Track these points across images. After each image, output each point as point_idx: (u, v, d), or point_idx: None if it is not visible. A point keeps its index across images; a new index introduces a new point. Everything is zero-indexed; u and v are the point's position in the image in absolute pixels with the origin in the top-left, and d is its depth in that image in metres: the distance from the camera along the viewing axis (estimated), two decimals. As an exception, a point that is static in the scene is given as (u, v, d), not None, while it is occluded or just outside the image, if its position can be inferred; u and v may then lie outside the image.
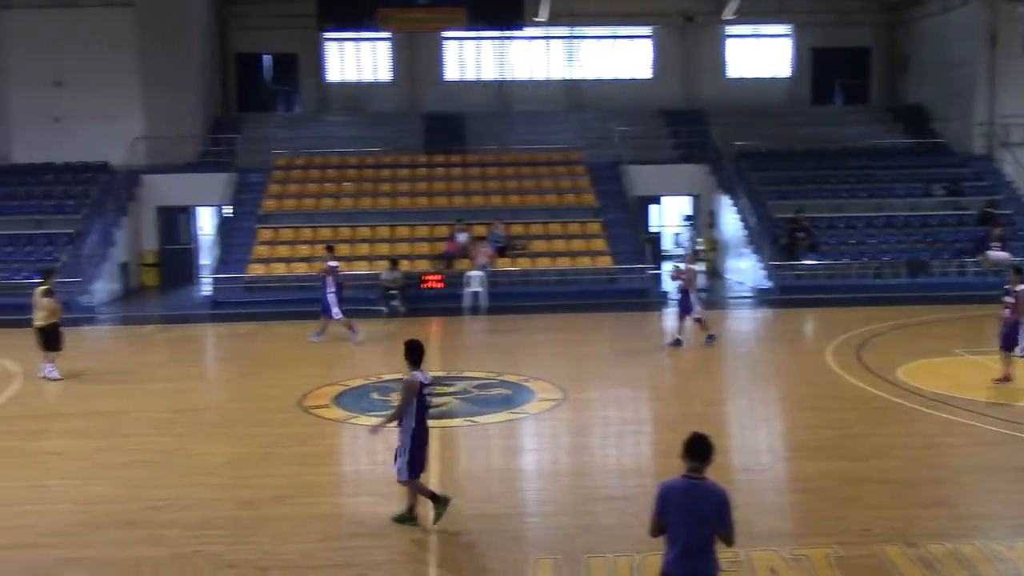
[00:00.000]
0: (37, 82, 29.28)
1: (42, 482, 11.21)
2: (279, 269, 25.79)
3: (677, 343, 18.80)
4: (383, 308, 23.78)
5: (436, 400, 14.50)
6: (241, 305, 24.59)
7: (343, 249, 26.54)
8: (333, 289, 19.90)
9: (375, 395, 15.22)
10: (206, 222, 31.67)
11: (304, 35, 33.33)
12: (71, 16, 29.40)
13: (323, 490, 10.98)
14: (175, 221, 30.03)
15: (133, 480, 11.22)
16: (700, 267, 19.25)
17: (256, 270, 25.73)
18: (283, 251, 26.54)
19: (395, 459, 9.52)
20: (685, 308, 18.94)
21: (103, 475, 11.45)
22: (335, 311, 19.85)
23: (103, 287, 26.24)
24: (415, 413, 9.37)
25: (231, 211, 28.84)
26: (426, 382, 9.45)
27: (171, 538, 9.36)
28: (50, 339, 16.71)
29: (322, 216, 28.06)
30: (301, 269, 25.66)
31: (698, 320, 18.94)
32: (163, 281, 29.31)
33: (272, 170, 29.78)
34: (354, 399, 14.99)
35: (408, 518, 9.58)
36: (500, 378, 16.28)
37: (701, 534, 6.20)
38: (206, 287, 26.81)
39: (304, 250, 26.53)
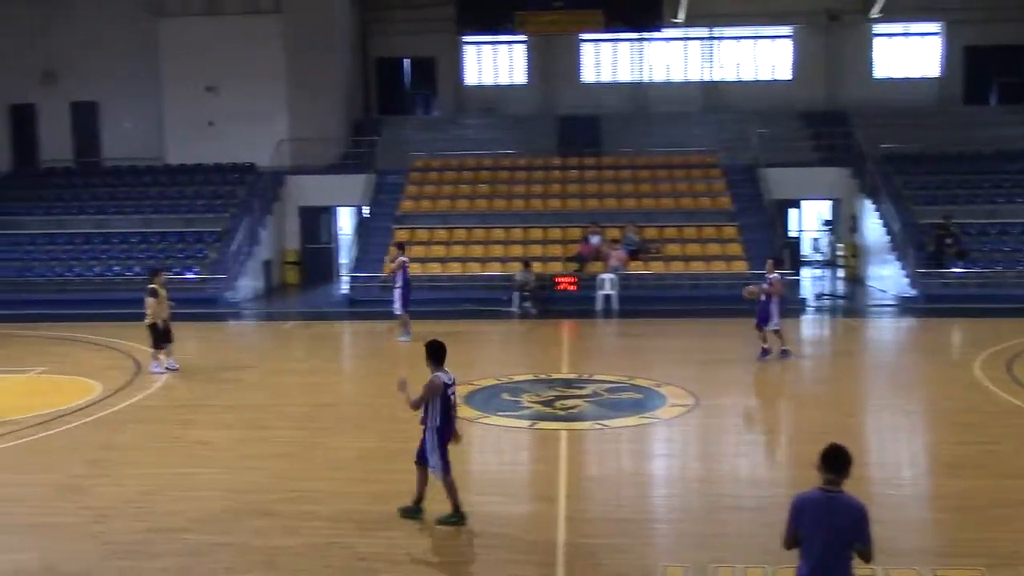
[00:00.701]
0: (191, 87, 30.65)
1: (191, 470, 11.72)
2: (414, 269, 26.19)
3: (765, 353, 17.88)
4: (515, 309, 23.97)
5: (568, 403, 14.62)
6: (378, 303, 25.13)
7: (477, 250, 26.95)
8: (400, 285, 20.78)
9: (506, 395, 15.34)
10: (345, 222, 32.55)
11: (443, 39, 33.91)
12: (223, 24, 30.68)
13: (453, 488, 11.11)
14: (316, 221, 30.98)
15: (273, 471, 11.62)
16: (775, 275, 18.12)
17: (390, 268, 26.23)
18: (419, 251, 27.02)
19: (424, 458, 9.63)
20: (764, 318, 17.91)
21: (246, 465, 11.90)
22: (397, 305, 20.74)
23: (247, 284, 27.28)
24: (440, 411, 9.50)
25: (369, 211, 29.55)
26: (449, 382, 9.54)
27: (307, 529, 9.66)
28: (155, 336, 17.27)
29: (457, 217, 28.46)
30: (435, 269, 26.10)
31: (776, 332, 17.98)
32: (304, 279, 30.28)
33: (409, 171, 30.38)
34: (484, 399, 15.13)
35: (457, 518, 9.65)
36: (631, 382, 16.17)
37: (836, 549, 6.02)
38: (344, 285, 27.53)
39: (439, 250, 26.98)
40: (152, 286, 17.33)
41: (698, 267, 25.88)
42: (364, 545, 9.21)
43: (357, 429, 13.74)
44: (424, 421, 9.62)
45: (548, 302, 24.40)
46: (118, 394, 15.80)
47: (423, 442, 9.67)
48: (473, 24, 31.57)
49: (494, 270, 25.79)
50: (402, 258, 21.18)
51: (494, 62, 35.52)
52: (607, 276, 24.79)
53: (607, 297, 24.56)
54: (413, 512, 9.83)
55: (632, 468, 12.19)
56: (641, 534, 9.67)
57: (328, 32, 31.72)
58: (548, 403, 14.81)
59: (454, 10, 30.88)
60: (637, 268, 25.64)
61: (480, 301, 24.74)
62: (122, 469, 11.83)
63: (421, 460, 9.72)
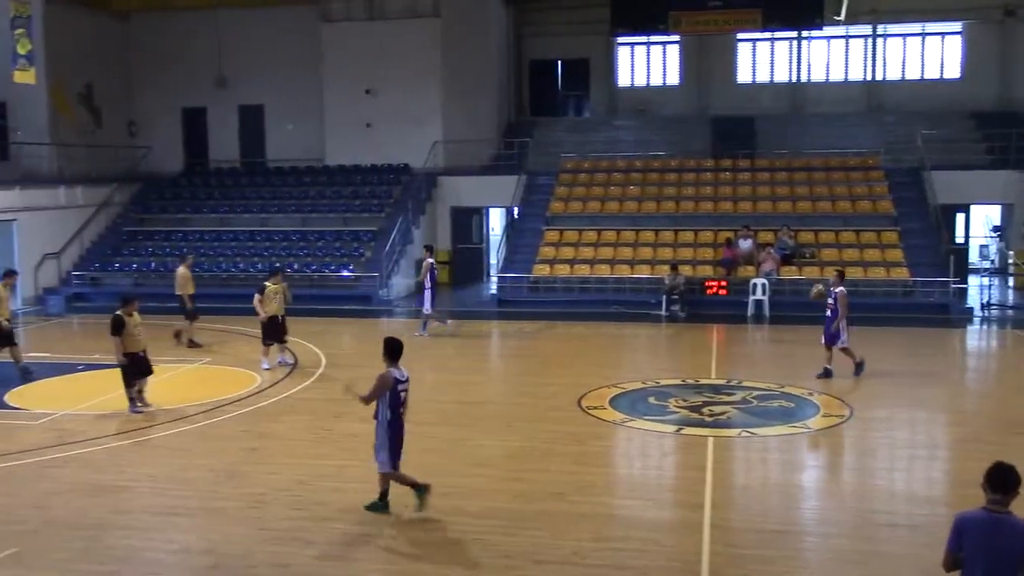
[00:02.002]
0: (350, 90, 31.62)
1: (342, 462, 12.11)
2: (563, 270, 26.37)
3: (827, 374, 16.77)
4: (663, 312, 23.74)
5: (715, 409, 14.37)
6: (526, 304, 25.37)
7: (625, 252, 26.82)
8: (429, 286, 21.40)
9: (652, 399, 15.21)
10: (496, 222, 32.93)
11: (596, 41, 33.89)
12: (383, 28, 31.52)
13: (597, 490, 11.10)
14: (468, 221, 31.47)
15: (421, 466, 11.83)
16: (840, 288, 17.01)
17: (541, 270, 26.44)
18: (567, 252, 27.09)
19: (376, 453, 9.97)
20: (831, 336, 16.69)
21: (394, 459, 12.18)
22: (427, 306, 21.42)
23: (400, 282, 27.94)
24: (390, 407, 9.82)
25: (519, 212, 29.81)
26: (401, 379, 9.88)
27: (454, 524, 9.82)
28: (266, 333, 17.81)
29: (606, 219, 28.39)
30: (584, 271, 26.11)
31: (844, 350, 16.80)
32: (454, 278, 30.80)
33: (560, 173, 30.49)
34: (630, 402, 15.04)
35: (380, 505, 10.04)
36: (782, 390, 15.77)
37: (1002, 573, 5.70)
38: (494, 285, 27.87)
39: (587, 252, 26.97)
40: (264, 284, 18.02)
41: (855, 273, 24.97)
42: (509, 543, 9.30)
43: (503, 428, 13.88)
44: (376, 416, 9.92)
45: (697, 306, 24.05)
46: (275, 386, 16.46)
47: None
48: (627, 24, 31.39)
49: (643, 273, 25.61)
50: (429, 260, 21.75)
51: (647, 63, 35.26)
52: (759, 281, 24.24)
53: (758, 303, 24.00)
54: (379, 507, 10.07)
55: (781, 479, 11.88)
56: (789, 547, 9.42)
57: (483, 35, 32.17)
58: (695, 408, 14.60)
59: (608, 11, 30.79)
60: (790, 273, 24.97)
61: (628, 304, 24.62)
62: (278, 458, 12.33)
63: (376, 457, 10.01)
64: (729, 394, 15.50)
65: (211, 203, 31.45)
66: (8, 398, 15.71)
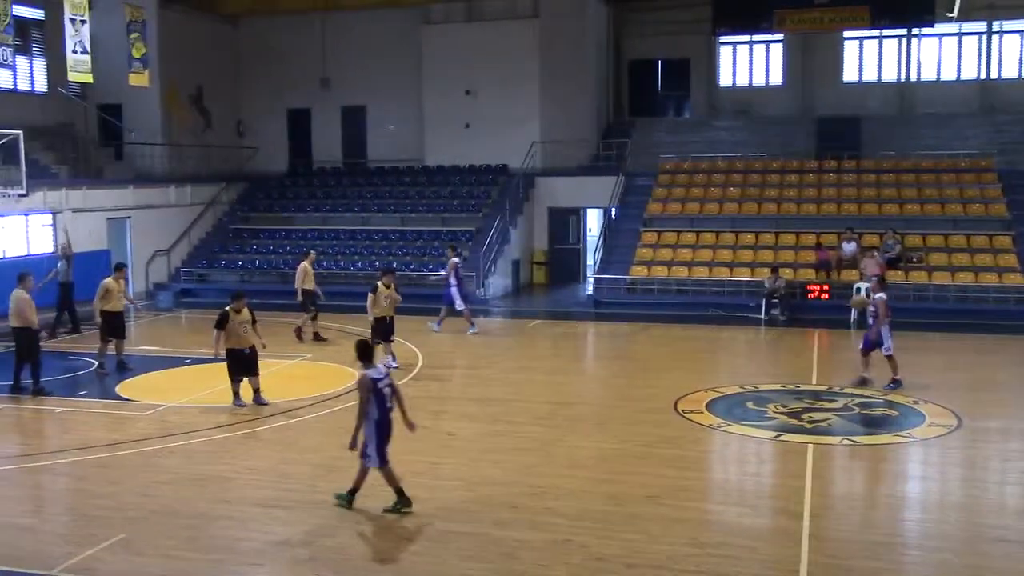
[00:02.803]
0: (450, 91, 31.90)
1: (438, 459, 12.22)
2: (660, 272, 26.13)
3: (863, 382, 16.17)
4: (763, 316, 23.33)
5: (816, 416, 14.05)
6: (622, 305, 25.21)
7: (725, 255, 26.45)
8: (455, 283, 21.66)
9: (751, 404, 14.95)
10: (593, 223, 32.83)
11: (697, 40, 33.49)
12: (483, 30, 31.72)
13: (692, 495, 10.96)
14: (565, 222, 31.43)
15: (516, 466, 11.90)
16: (883, 295, 16.32)
17: (638, 272, 26.25)
18: (665, 254, 26.84)
19: (363, 452, 10.08)
20: (869, 343, 16.10)
21: (489, 458, 12.26)
22: (458, 303, 21.73)
23: (497, 282, 28.09)
24: (376, 406, 9.96)
25: (617, 213, 29.66)
26: (378, 376, 10.02)
27: (547, 525, 9.82)
28: (374, 333, 17.60)
29: (705, 221, 28.03)
30: (682, 273, 25.83)
31: (890, 358, 16.08)
32: (551, 279, 30.80)
33: (659, 174, 30.22)
34: (728, 407, 14.82)
35: (400, 503, 10.13)
36: (886, 398, 15.33)
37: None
38: (590, 286, 27.79)
39: (686, 254, 26.68)
40: (377, 283, 17.99)
41: (966, 278, 24.14)
42: (602, 545, 9.25)
43: (597, 430, 13.82)
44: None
45: (798, 310, 23.56)
46: (375, 382, 16.68)
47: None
48: (729, 24, 30.92)
49: (742, 275, 25.20)
50: (454, 259, 22.06)
51: (749, 62, 34.67)
52: (863, 285, 23.58)
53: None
54: (345, 499, 10.27)
55: (883, 489, 11.55)
56: (893, 559, 9.14)
57: (582, 35, 32.10)
58: (795, 415, 14.30)
59: (710, 10, 30.40)
60: (895, 278, 24.24)
61: (726, 307, 24.26)
62: (376, 454, 12.49)
63: (364, 453, 10.15)
64: (830, 401, 15.15)
65: (314, 202, 32.11)
66: (119, 389, 16.33)
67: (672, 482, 11.25)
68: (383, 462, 10.18)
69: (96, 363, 17.67)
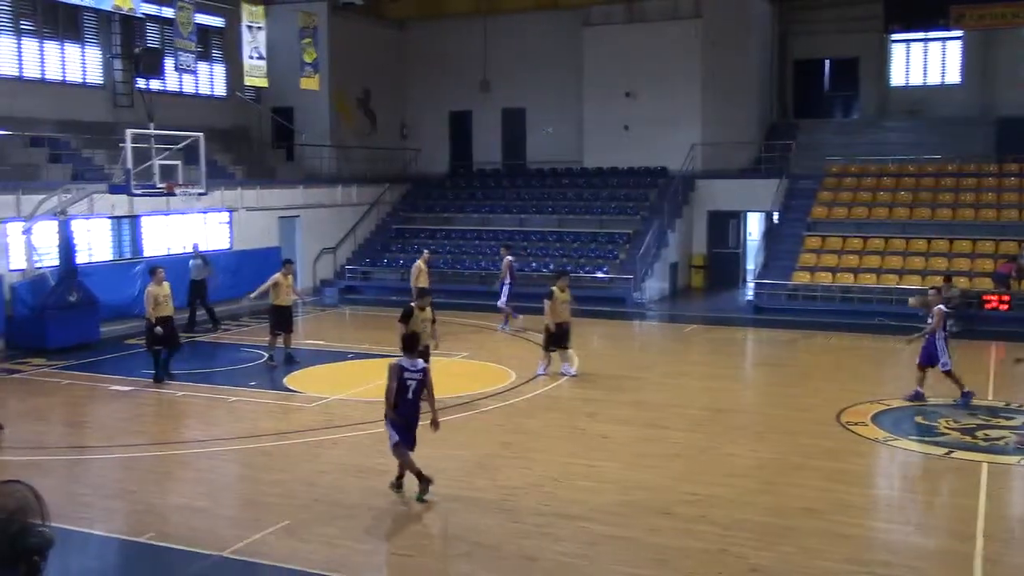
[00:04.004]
0: (609, 93, 31.81)
1: (592, 461, 12.18)
2: (824, 278, 25.29)
3: (917, 396, 15.06)
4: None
5: (991, 433, 13.29)
6: (783, 312, 24.54)
7: (894, 261, 25.39)
8: (508, 281, 22.22)
9: (920, 418, 14.29)
10: (754, 227, 32.11)
11: (868, 39, 32.30)
12: (644, 31, 31.50)
13: (854, 510, 10.54)
14: (724, 225, 30.85)
15: (669, 471, 11.75)
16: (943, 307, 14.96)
17: (801, 278, 25.50)
18: (829, 260, 25.98)
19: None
20: (930, 357, 15.06)
21: (643, 463, 12.15)
22: (502, 300, 22.08)
23: (654, 285, 27.82)
24: (397, 392, 10.49)
25: (779, 217, 28.91)
26: (408, 367, 10.51)
27: (701, 533, 9.65)
28: (550, 339, 17.44)
29: (873, 226, 26.99)
30: (847, 279, 24.94)
31: (948, 374, 14.90)
32: (709, 283, 30.29)
33: (824, 177, 29.28)
34: (895, 420, 14.20)
35: (422, 490, 10.57)
36: (1071, 417, 14.37)
37: None
38: (750, 292, 27.18)
39: (852, 260, 25.75)
40: (551, 288, 17.61)
41: None
42: (757, 557, 9.02)
43: (754, 438, 13.49)
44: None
45: (973, 321, 22.35)
46: (530, 383, 16.83)
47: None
48: (902, 21, 29.70)
49: (912, 283, 24.10)
50: (509, 257, 22.83)
51: (924, 61, 33.18)
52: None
53: (1045, 320, 21.98)
54: (422, 492, 10.60)
55: (1067, 514, 10.82)
56: (1075, 590, 8.55)
57: (746, 35, 31.46)
58: (969, 431, 13.58)
59: (881, 7, 29.25)
60: (1084, 289, 22.71)
61: (894, 316, 23.26)
62: (530, 453, 12.59)
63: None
64: (1008, 418, 14.30)
65: (473, 203, 32.63)
66: (287, 381, 17.01)
67: (833, 496, 10.86)
68: (397, 444, 10.69)
69: (266, 355, 18.47)
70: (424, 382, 10.63)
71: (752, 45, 31.67)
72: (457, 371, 18.05)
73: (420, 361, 10.83)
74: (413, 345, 10.80)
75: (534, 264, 28.49)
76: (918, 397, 15.20)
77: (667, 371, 18.68)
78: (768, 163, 30.41)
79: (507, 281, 22.46)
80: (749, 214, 31.40)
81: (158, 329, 16.57)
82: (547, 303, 17.30)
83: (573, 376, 17.10)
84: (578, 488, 11.01)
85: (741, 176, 30.42)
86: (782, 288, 25.47)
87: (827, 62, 34.45)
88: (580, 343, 20.11)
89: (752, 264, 29.30)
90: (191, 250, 23.20)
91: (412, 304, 14.87)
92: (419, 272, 21.61)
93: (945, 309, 15.46)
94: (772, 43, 33.46)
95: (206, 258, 22.77)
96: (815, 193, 28.65)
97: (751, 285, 27.39)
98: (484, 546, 9.40)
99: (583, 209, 30.71)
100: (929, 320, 15.29)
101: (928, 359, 15.20)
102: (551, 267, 27.56)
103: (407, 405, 10.60)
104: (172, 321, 17.13)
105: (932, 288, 16.82)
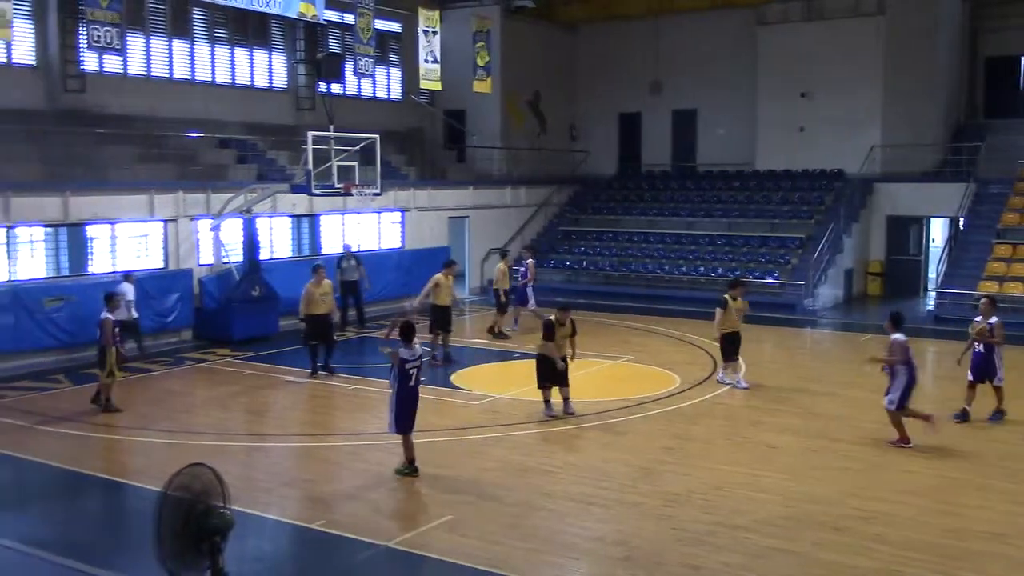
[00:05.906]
0: (784, 93, 30.93)
1: (757, 471, 11.87)
2: (1015, 288, 23.81)
3: (963, 416, 14.13)
4: None
5: None
6: (968, 323, 23.17)
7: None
8: (532, 284, 22.65)
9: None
10: (937, 233, 30.55)
11: (1068, 33, 30.25)
12: (822, 29, 30.48)
13: (1045, 537, 9.87)
14: (904, 231, 29.47)
15: (840, 485, 11.32)
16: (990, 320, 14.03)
17: (988, 287, 24.05)
18: (1020, 269, 24.43)
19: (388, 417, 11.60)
20: (987, 371, 14.39)
21: (812, 475, 11.75)
22: (531, 302, 22.27)
23: (827, 292, 26.87)
24: (398, 379, 11.28)
25: (965, 223, 27.39)
26: (408, 358, 11.29)
27: (875, 552, 9.24)
28: (725, 348, 16.85)
29: (1072, 233, 25.23)
30: (1040, 290, 23.41)
31: (998, 389, 14.41)
32: (886, 292, 29.01)
33: (1017, 181, 27.55)
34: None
35: (409, 470, 11.56)
36: None
37: None
38: (931, 301, 25.88)
39: (1046, 270, 24.16)
40: (724, 296, 16.95)
41: None
42: (934, 581, 8.58)
43: (932, 455, 12.80)
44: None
45: None
46: (695, 388, 16.56)
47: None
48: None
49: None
50: (530, 260, 23.22)
51: None
52: None
53: None
54: (405, 472, 11.55)
55: None
56: None
57: (932, 32, 29.94)
58: None
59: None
60: None
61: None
62: (693, 460, 12.38)
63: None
64: None
65: (641, 205, 32.39)
66: (453, 378, 17.34)
67: (1019, 519, 10.20)
68: (399, 430, 11.47)
69: (430, 355, 18.86)
70: (422, 369, 11.64)
71: (940, 43, 30.11)
72: (622, 375, 17.97)
73: (418, 349, 11.55)
74: (410, 335, 11.43)
75: (702, 268, 28.02)
76: (964, 417, 14.50)
77: (840, 381, 18.00)
78: (954, 166, 28.88)
79: (531, 284, 22.74)
80: (932, 219, 29.88)
81: (302, 324, 17.59)
82: (718, 311, 16.70)
83: (744, 388, 16.60)
84: (741, 498, 10.75)
85: (924, 179, 28.99)
86: (967, 298, 24.10)
87: (1022, 59, 32.42)
88: (748, 350, 19.59)
89: (934, 272, 27.88)
90: (341, 251, 23.78)
91: (552, 319, 14.56)
92: (502, 275, 21.93)
93: (991, 323, 14.77)
94: (962, 40, 31.76)
95: (359, 259, 23.39)
96: (1006, 198, 26.98)
97: (933, 294, 26.07)
98: (645, 551, 9.31)
99: (754, 212, 29.99)
100: (989, 331, 14.54)
101: (981, 375, 14.57)
102: (718, 271, 27.08)
103: (409, 391, 11.42)
104: (329, 318, 17.75)
105: (985, 297, 15.83)
